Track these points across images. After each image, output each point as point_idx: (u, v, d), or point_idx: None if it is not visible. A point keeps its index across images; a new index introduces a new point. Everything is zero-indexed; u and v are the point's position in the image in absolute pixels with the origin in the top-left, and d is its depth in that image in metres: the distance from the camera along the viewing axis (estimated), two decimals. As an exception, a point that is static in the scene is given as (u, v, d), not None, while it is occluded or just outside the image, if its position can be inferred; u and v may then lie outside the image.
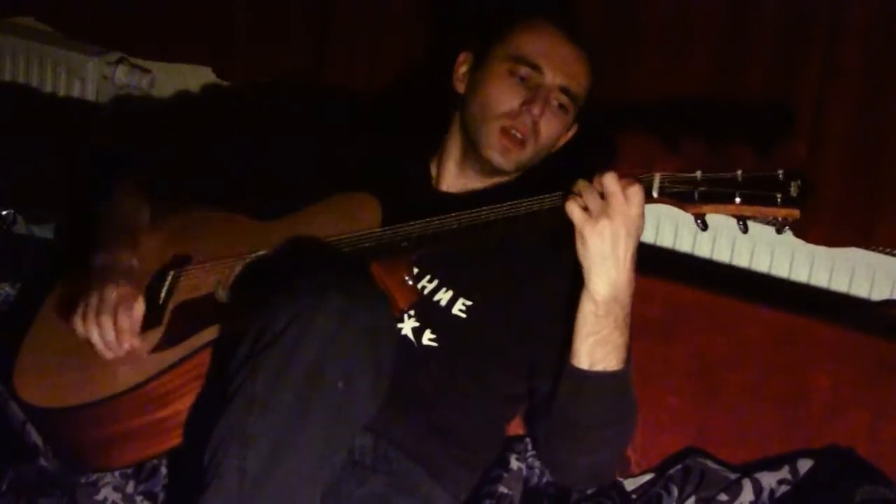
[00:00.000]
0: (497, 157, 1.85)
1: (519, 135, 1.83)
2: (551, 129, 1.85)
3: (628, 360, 1.67)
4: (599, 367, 1.65)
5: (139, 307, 1.73)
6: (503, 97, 1.83)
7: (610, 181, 1.56)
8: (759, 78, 2.27)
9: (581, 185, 1.59)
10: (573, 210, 1.58)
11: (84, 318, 1.71)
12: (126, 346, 1.70)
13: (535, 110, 1.82)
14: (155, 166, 2.03)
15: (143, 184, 2.00)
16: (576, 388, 1.67)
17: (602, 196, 1.57)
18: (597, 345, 1.64)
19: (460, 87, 1.92)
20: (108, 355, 1.71)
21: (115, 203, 1.96)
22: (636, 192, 1.56)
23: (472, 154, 1.88)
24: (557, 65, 1.83)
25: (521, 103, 1.82)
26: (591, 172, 1.60)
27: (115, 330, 1.70)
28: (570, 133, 1.93)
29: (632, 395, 1.71)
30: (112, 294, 1.72)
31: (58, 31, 2.97)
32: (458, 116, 1.91)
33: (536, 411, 1.83)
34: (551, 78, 1.83)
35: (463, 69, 1.92)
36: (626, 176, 1.57)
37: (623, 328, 1.64)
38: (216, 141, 2.09)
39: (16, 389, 1.76)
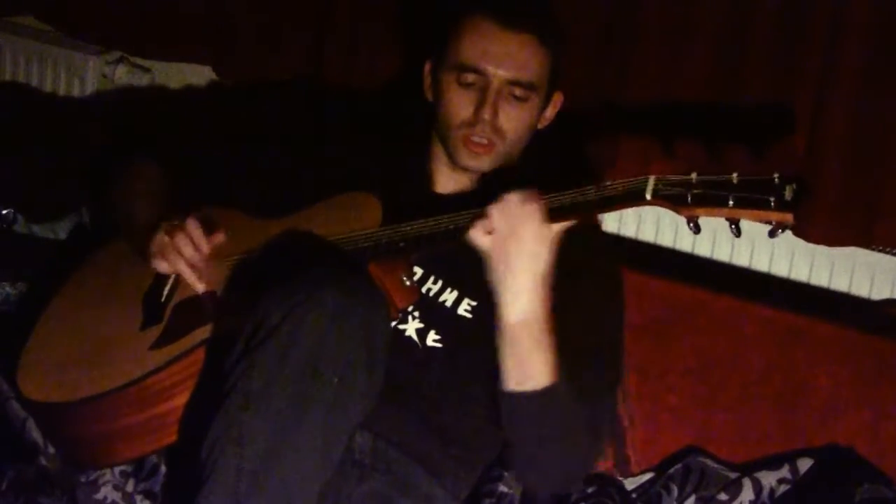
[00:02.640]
0: (471, 163, 1.84)
1: (483, 140, 1.82)
2: (515, 122, 1.83)
3: (558, 375, 1.65)
4: (528, 387, 1.64)
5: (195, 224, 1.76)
6: (456, 109, 1.82)
7: (506, 206, 1.59)
8: (759, 78, 2.26)
9: (488, 209, 1.60)
10: (476, 237, 1.61)
11: (164, 256, 1.75)
12: (206, 249, 1.74)
13: (486, 115, 1.80)
14: (157, 166, 2.02)
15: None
16: (507, 409, 1.67)
17: (506, 219, 1.58)
18: (517, 366, 1.63)
19: (429, 96, 1.91)
20: (197, 279, 1.76)
21: (136, 177, 1.97)
22: (535, 213, 1.58)
23: (453, 159, 1.88)
24: (500, 62, 1.80)
25: (473, 111, 1.81)
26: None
27: (194, 243, 1.74)
28: (559, 101, 1.91)
29: (570, 409, 1.67)
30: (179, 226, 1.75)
31: (58, 30, 2.97)
32: (435, 123, 1.91)
33: None
34: (496, 77, 1.80)
35: (428, 79, 1.92)
36: (529, 196, 1.59)
37: (543, 346, 1.63)
38: (217, 140, 2.09)
39: (18, 386, 1.77)
